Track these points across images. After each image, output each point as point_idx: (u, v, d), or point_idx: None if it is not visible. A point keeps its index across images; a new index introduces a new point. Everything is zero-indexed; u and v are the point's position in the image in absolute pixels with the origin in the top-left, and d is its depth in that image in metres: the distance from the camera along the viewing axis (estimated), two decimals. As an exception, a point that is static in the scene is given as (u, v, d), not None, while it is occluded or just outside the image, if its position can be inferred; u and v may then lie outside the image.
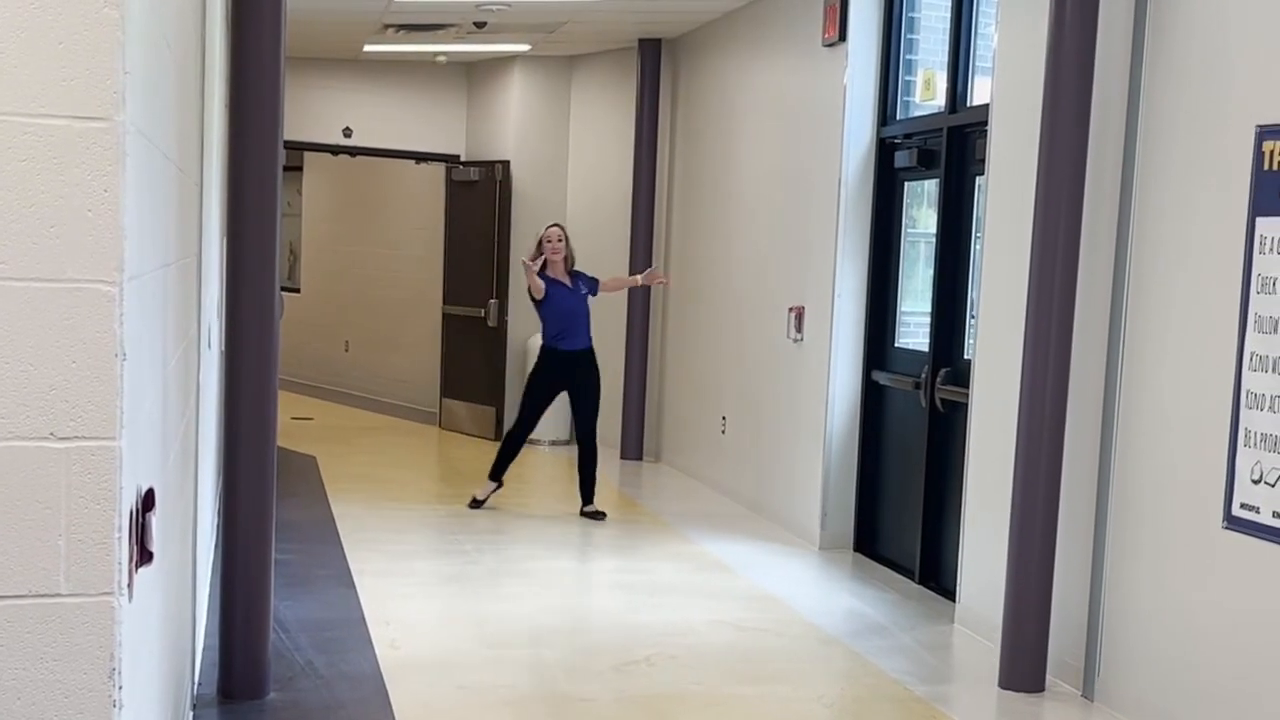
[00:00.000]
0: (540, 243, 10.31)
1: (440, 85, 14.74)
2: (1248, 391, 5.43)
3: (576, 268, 10.36)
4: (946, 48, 8.49)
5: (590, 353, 10.35)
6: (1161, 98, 6.04)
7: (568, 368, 10.24)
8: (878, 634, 7.49)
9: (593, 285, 10.42)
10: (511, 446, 10.44)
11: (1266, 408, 5.32)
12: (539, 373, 10.45)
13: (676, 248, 12.51)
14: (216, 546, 7.26)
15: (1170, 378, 5.97)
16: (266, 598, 6.12)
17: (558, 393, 10.42)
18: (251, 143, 5.90)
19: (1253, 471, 5.40)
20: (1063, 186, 6.38)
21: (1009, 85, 7.24)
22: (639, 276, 11.04)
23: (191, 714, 5.66)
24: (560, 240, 10.31)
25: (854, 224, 9.30)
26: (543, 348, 10.43)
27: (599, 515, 10.19)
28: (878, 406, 9.33)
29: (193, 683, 5.85)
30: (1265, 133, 5.38)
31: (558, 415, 13.86)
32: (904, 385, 8.85)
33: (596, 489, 10.37)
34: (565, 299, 10.20)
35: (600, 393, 10.44)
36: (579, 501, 10.30)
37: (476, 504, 10.36)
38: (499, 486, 10.47)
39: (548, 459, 13.12)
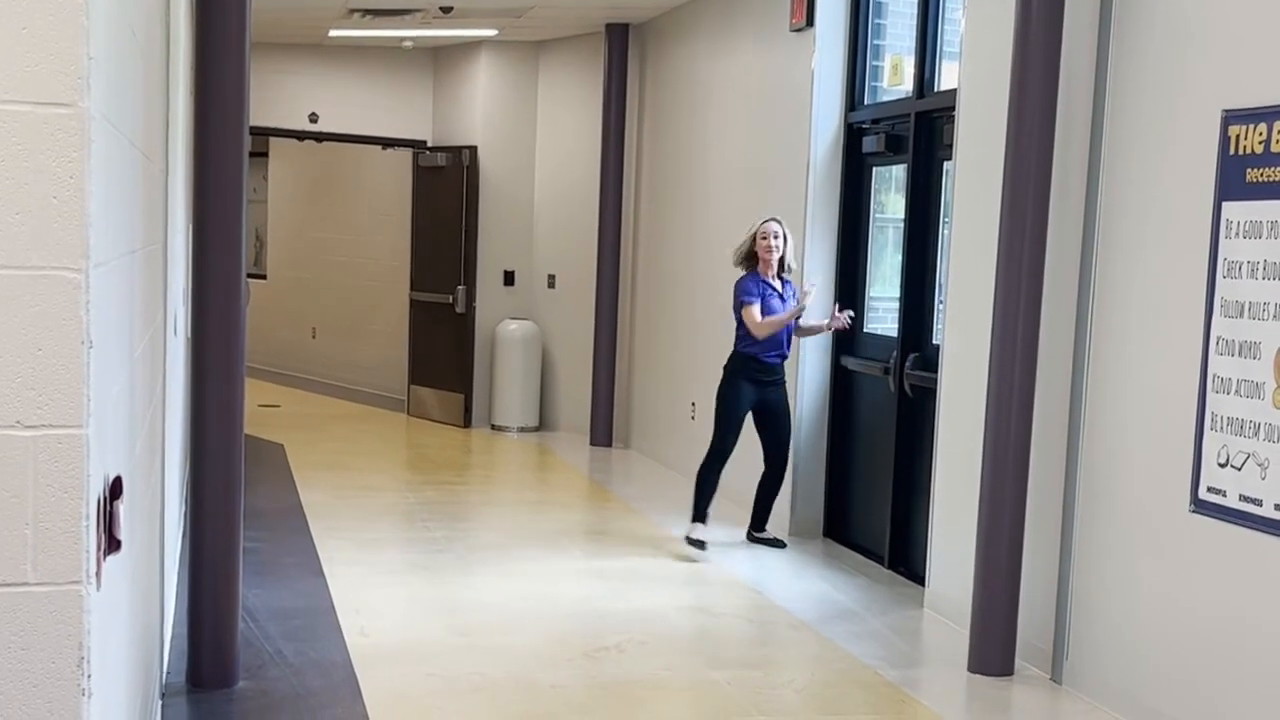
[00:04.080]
0: (754, 238, 8.79)
1: (407, 70, 14.70)
2: (1214, 376, 5.46)
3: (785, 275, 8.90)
4: (914, 33, 8.51)
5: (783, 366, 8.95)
6: (1128, 83, 6.07)
7: (765, 382, 8.84)
8: (848, 619, 7.51)
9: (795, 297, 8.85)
10: (714, 479, 8.95)
11: (1233, 392, 5.36)
12: (737, 385, 8.87)
13: (644, 233, 12.51)
14: (184, 535, 7.25)
15: (1137, 362, 6.00)
16: (235, 586, 6.11)
17: (753, 407, 8.92)
18: (216, 129, 5.88)
19: (1219, 455, 5.44)
20: (1030, 172, 6.40)
21: (977, 70, 7.26)
22: (825, 322, 8.98)
23: (160, 703, 5.65)
24: (779, 238, 8.76)
25: (822, 209, 9.32)
26: (743, 355, 8.84)
27: (778, 543, 9.10)
28: (847, 392, 9.36)
29: (161, 671, 5.84)
30: (1231, 117, 5.41)
31: (528, 399, 13.93)
32: (873, 371, 8.88)
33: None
34: (779, 306, 8.75)
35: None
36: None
37: (697, 544, 8.84)
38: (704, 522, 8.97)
39: (516, 446, 13.13)
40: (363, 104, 14.69)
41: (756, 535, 9.13)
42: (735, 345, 8.87)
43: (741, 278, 8.86)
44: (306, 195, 17.07)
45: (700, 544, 8.74)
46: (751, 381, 8.79)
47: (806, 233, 9.29)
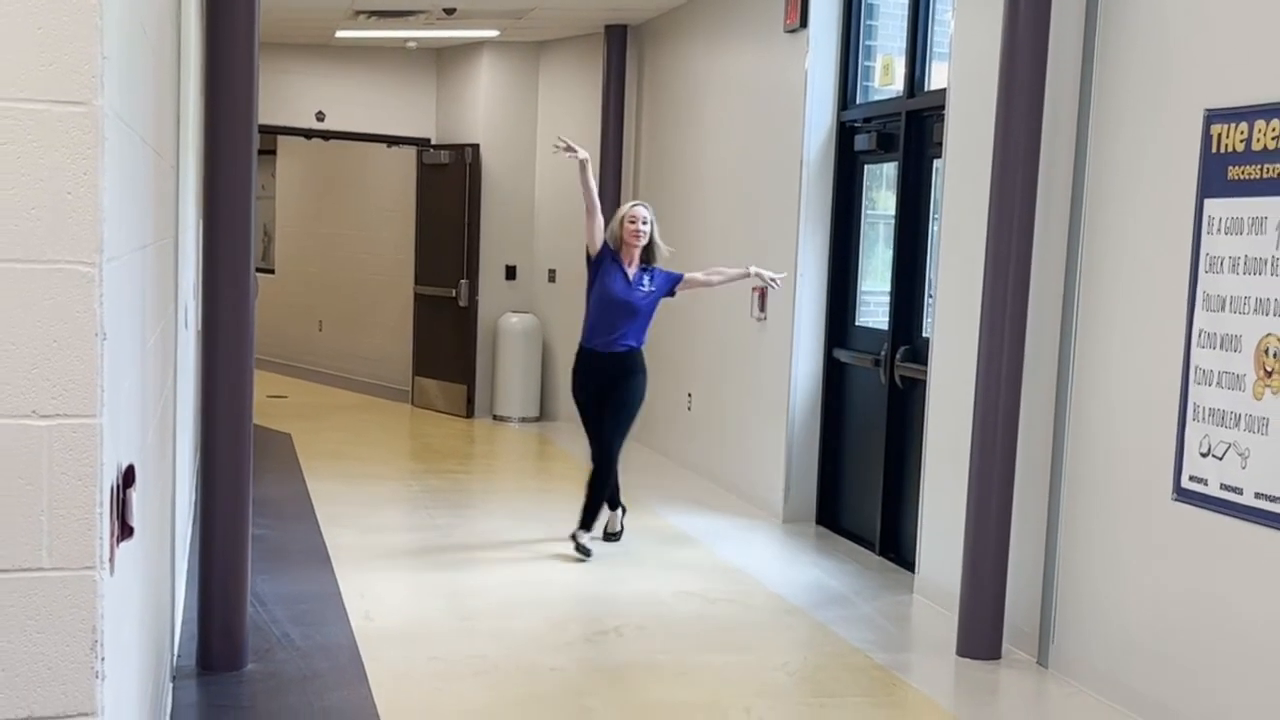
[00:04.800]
0: (621, 221, 8.30)
1: (411, 70, 14.69)
2: (1196, 367, 5.46)
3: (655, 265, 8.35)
4: (905, 34, 8.50)
5: (631, 356, 8.31)
6: (1113, 82, 6.06)
7: (597, 371, 8.31)
8: (839, 604, 7.52)
9: (669, 282, 8.36)
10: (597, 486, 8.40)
11: (1214, 383, 5.36)
12: (573, 377, 8.50)
13: (643, 229, 12.49)
14: (195, 522, 7.25)
15: (1122, 355, 6.00)
16: (244, 572, 6.11)
17: (592, 398, 8.38)
18: (226, 127, 5.87)
19: (1201, 445, 5.44)
20: (1018, 169, 6.40)
21: (966, 71, 7.25)
22: (751, 268, 8.60)
23: (171, 685, 5.65)
24: (646, 223, 8.25)
25: (815, 206, 9.32)
26: (578, 347, 8.48)
27: (584, 551, 8.24)
28: (839, 383, 9.36)
29: (172, 654, 5.84)
30: (1213, 116, 5.41)
31: (529, 390, 13.93)
32: (864, 363, 8.88)
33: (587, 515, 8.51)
34: (617, 286, 8.22)
35: (635, 409, 8.42)
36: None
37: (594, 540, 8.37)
38: (624, 511, 8.72)
39: (517, 436, 13.13)
40: (368, 103, 14.68)
41: (575, 537, 8.30)
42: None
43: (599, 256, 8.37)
44: (313, 192, 17.06)
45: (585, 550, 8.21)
46: (585, 373, 8.38)
47: (800, 228, 9.29)
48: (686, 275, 8.43)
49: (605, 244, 8.29)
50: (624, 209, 8.42)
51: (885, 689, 6.21)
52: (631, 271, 8.25)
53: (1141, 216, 5.89)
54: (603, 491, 8.36)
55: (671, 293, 8.41)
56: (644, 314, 8.29)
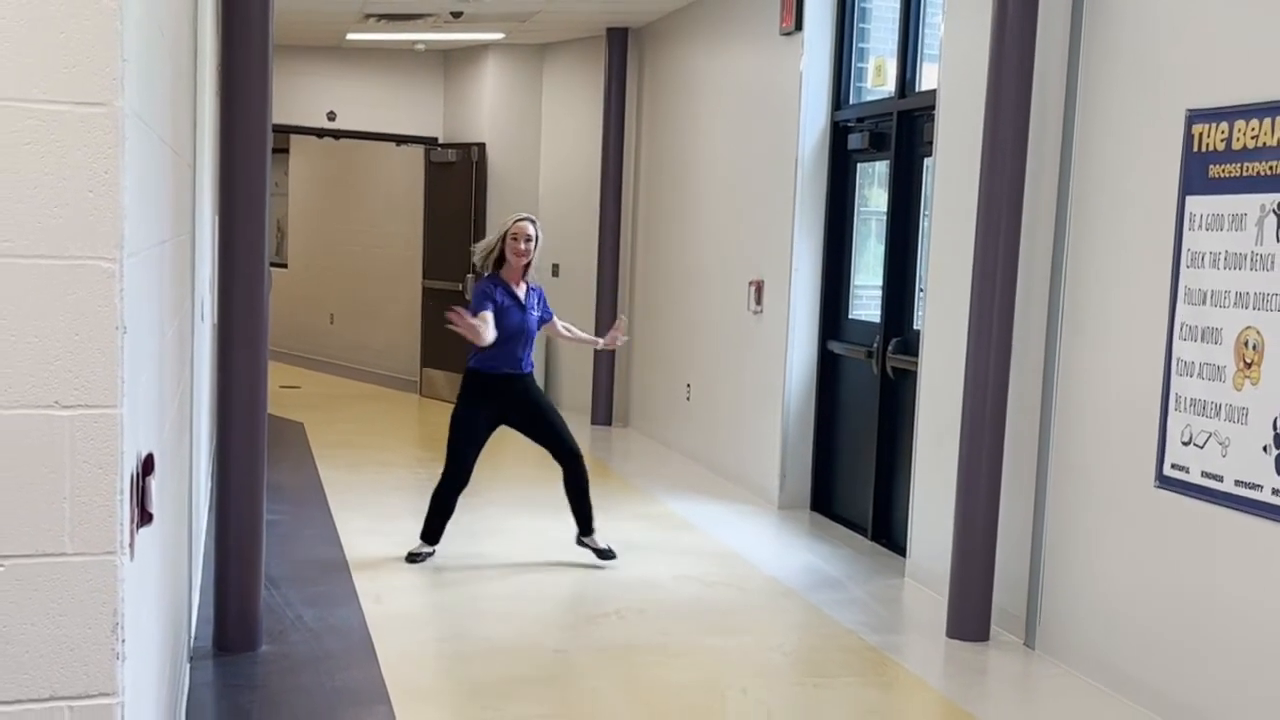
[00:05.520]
0: (504, 238, 7.59)
1: (419, 71, 14.68)
2: (1178, 359, 5.46)
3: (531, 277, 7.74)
4: (896, 36, 8.50)
5: (531, 374, 7.80)
6: (1098, 83, 6.06)
7: (506, 394, 7.63)
8: (833, 587, 7.52)
9: (545, 311, 7.82)
10: (446, 504, 7.80)
11: (1196, 375, 5.36)
12: (468, 404, 7.67)
13: (643, 226, 12.50)
14: (211, 508, 7.25)
15: (1106, 347, 6.00)
16: (258, 556, 6.12)
17: (496, 425, 7.74)
18: (241, 126, 5.87)
19: (1183, 434, 5.44)
20: (1005, 167, 6.39)
21: (955, 72, 7.25)
22: (600, 339, 8.34)
23: (189, 665, 5.66)
24: (530, 241, 7.57)
25: (810, 203, 9.31)
26: (472, 371, 7.67)
27: (608, 554, 7.82)
28: (833, 374, 9.36)
29: (190, 636, 5.85)
30: (1194, 116, 5.41)
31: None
32: (857, 354, 8.88)
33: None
34: (514, 315, 7.56)
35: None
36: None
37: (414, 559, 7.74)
38: (431, 552, 7.82)
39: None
40: (378, 103, 14.67)
41: (584, 540, 7.86)
42: (468, 360, 7.72)
43: (480, 281, 7.70)
44: (325, 189, 17.05)
45: (420, 558, 7.69)
46: (489, 399, 7.60)
47: (795, 224, 9.29)
48: (554, 319, 7.91)
49: (487, 277, 7.64)
50: (509, 224, 7.66)
51: (877, 669, 6.21)
52: (521, 293, 7.59)
53: (1125, 213, 5.88)
54: (588, 485, 7.81)
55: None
56: (534, 335, 7.77)
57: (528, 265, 7.61)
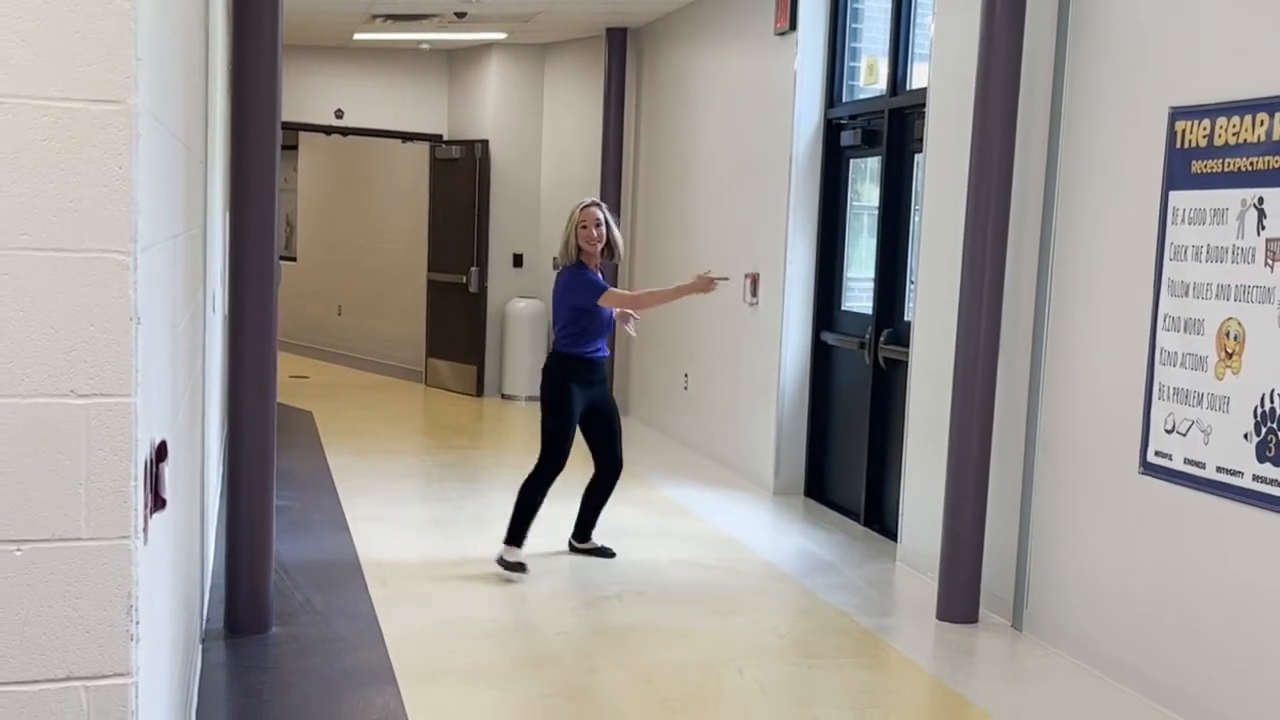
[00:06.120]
0: (575, 228, 7.19)
1: (424, 70, 14.66)
2: (1161, 349, 5.46)
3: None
4: (888, 36, 8.49)
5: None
6: (1084, 82, 6.05)
7: (596, 377, 7.31)
8: (826, 571, 7.52)
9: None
10: (537, 499, 7.26)
11: (1178, 364, 5.36)
12: (566, 389, 7.18)
13: (642, 221, 12.49)
14: (222, 494, 7.25)
15: (1091, 338, 6.00)
16: (268, 541, 6.12)
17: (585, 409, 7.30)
18: (252, 123, 5.86)
19: (1166, 422, 5.44)
20: (994, 163, 6.39)
21: (945, 70, 7.24)
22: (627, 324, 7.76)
23: (201, 647, 5.66)
24: (600, 225, 7.17)
25: (804, 198, 9.31)
26: (568, 355, 7.21)
27: (607, 552, 7.62)
28: (826, 364, 9.36)
29: (202, 619, 5.85)
30: (1177, 114, 5.41)
31: (535, 371, 13.92)
32: (849, 345, 8.87)
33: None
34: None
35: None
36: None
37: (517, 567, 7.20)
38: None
39: (524, 413, 13.11)
40: (384, 101, 14.66)
41: (579, 545, 7.64)
42: (556, 346, 7.29)
43: (569, 272, 7.27)
44: (333, 185, 17.04)
45: (520, 566, 7.17)
46: (580, 384, 7.21)
47: (789, 219, 9.29)
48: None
49: (576, 267, 7.26)
50: (575, 213, 7.26)
51: (869, 651, 6.22)
52: (600, 279, 7.26)
53: (1110, 208, 5.88)
54: (608, 499, 7.59)
55: None
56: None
57: (604, 249, 7.23)
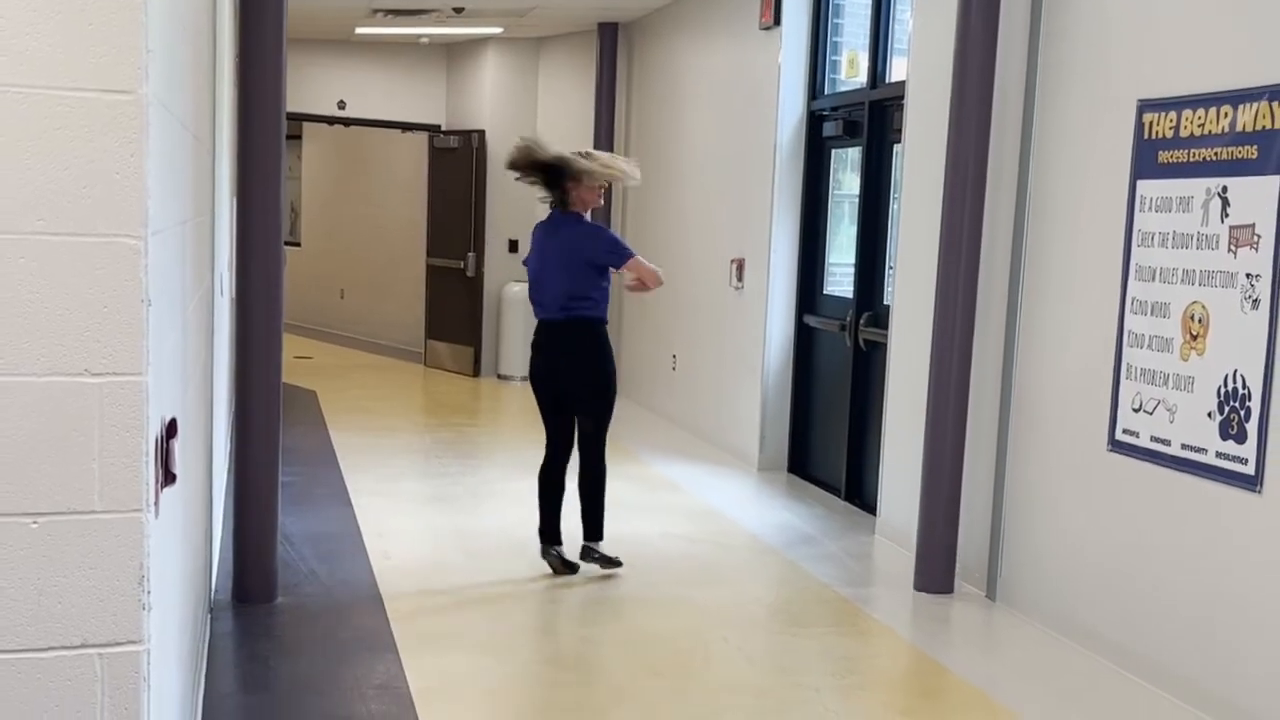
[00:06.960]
0: (600, 178, 6.63)
1: (423, 63, 14.62)
2: (1129, 332, 5.47)
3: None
4: (868, 31, 8.48)
5: None
6: (1055, 76, 6.05)
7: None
8: (808, 544, 7.54)
9: None
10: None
11: (1145, 346, 5.37)
12: (612, 358, 6.63)
13: (632, 208, 12.47)
14: (230, 469, 7.24)
15: (1063, 320, 6.00)
16: (274, 514, 6.12)
17: None
18: (257, 114, 5.85)
19: (1133, 401, 5.45)
20: (970, 153, 6.38)
21: (923, 64, 7.23)
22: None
23: (210, 616, 5.66)
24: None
25: (787, 186, 9.30)
26: (604, 322, 6.55)
27: (614, 563, 6.73)
28: (808, 346, 9.36)
29: (210, 588, 5.85)
30: (1145, 106, 5.41)
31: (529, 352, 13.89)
32: (831, 327, 8.88)
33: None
34: None
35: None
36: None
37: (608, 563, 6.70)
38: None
39: (519, 393, 13.11)
40: (385, 93, 14.62)
41: (604, 557, 6.74)
42: (595, 311, 6.46)
43: (585, 223, 6.59)
44: (335, 173, 17.01)
45: (614, 563, 6.70)
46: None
47: (773, 206, 9.28)
48: None
49: (569, 217, 6.68)
50: (604, 164, 6.69)
51: (849, 620, 6.23)
52: None
53: (1081, 196, 5.88)
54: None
55: None
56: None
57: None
